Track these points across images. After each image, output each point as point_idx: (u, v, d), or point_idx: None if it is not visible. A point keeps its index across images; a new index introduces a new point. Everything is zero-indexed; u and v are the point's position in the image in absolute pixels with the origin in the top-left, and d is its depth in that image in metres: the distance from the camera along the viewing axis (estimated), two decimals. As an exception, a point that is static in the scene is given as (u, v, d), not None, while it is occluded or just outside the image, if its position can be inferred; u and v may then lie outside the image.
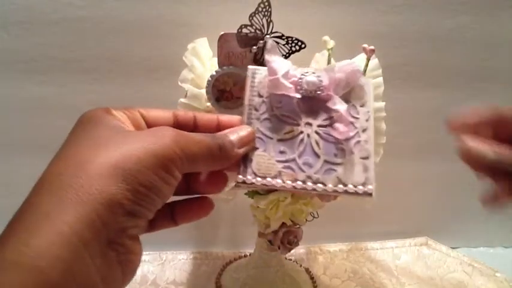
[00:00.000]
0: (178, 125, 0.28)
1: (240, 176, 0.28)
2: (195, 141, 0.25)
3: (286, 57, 0.37)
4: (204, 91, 0.40)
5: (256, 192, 0.46)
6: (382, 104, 0.42)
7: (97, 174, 0.20)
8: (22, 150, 0.58)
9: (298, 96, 0.30)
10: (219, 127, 0.28)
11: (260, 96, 0.30)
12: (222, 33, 0.37)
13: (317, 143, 0.29)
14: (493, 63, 0.61)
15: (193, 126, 0.28)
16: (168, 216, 0.28)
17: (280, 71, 0.30)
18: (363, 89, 0.31)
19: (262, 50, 0.37)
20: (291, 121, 0.30)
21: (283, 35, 0.37)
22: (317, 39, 0.42)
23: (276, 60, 0.30)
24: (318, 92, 0.30)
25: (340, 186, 0.28)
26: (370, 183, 0.29)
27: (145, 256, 0.63)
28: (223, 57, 0.38)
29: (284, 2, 0.50)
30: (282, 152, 0.29)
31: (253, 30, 0.36)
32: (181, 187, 0.28)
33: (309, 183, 0.28)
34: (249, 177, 0.28)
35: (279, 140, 0.29)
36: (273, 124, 0.30)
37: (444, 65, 0.60)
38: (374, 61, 0.43)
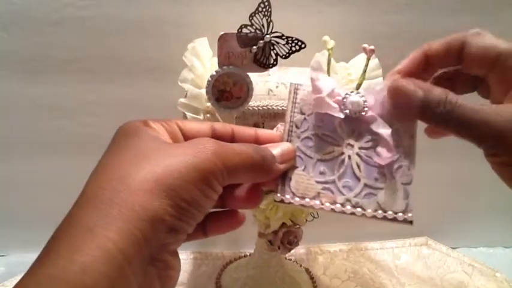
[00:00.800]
0: (216, 137, 0.27)
1: (279, 195, 0.27)
2: (237, 152, 0.24)
3: (286, 57, 0.37)
4: (204, 91, 0.40)
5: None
6: (382, 104, 0.42)
7: (139, 189, 0.20)
8: (22, 150, 0.58)
9: (342, 116, 0.29)
10: (258, 142, 0.28)
11: (302, 113, 0.30)
12: (222, 33, 0.37)
13: (358, 166, 0.28)
14: (493, 63, 0.61)
15: (230, 140, 0.28)
16: (200, 228, 0.28)
17: (326, 90, 0.29)
18: None
19: (263, 50, 0.37)
20: (332, 141, 0.29)
21: (283, 35, 0.37)
22: (317, 39, 0.42)
23: (321, 79, 0.29)
24: (362, 113, 0.29)
25: (380, 212, 0.28)
26: (410, 211, 0.28)
27: (145, 256, 0.62)
28: (223, 57, 0.38)
29: (284, 2, 0.50)
30: (321, 173, 0.28)
31: (253, 30, 0.36)
32: (217, 201, 0.27)
33: (348, 207, 0.28)
34: (287, 196, 0.27)
35: (319, 160, 0.28)
36: (314, 143, 0.29)
37: (444, 65, 0.60)
38: (374, 61, 0.43)
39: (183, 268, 0.62)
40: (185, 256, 0.64)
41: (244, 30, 0.36)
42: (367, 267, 0.64)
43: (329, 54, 0.42)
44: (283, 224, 0.47)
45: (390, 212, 0.28)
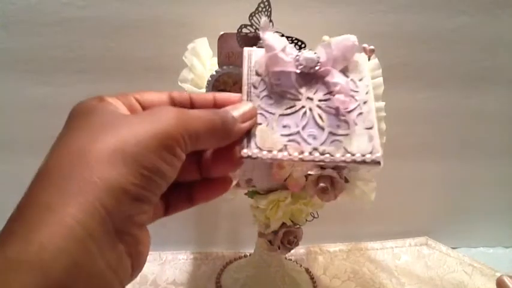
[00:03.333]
0: (175, 106, 0.26)
1: (245, 150, 0.27)
2: (197, 116, 0.24)
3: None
4: (204, 91, 0.40)
5: (256, 192, 0.46)
6: (382, 104, 0.42)
7: (96, 161, 0.19)
8: (22, 150, 0.58)
9: (297, 71, 0.30)
10: (217, 106, 0.27)
11: (258, 75, 0.30)
12: (222, 33, 0.37)
13: (320, 116, 0.29)
14: (493, 63, 0.61)
15: (190, 107, 0.27)
16: (184, 197, 0.27)
17: (278, 46, 0.30)
18: (359, 64, 0.32)
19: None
20: (292, 96, 0.29)
21: (283, 35, 0.37)
22: (317, 39, 0.42)
23: (272, 37, 0.30)
24: (316, 68, 0.30)
25: (348, 155, 0.28)
26: (377, 152, 0.28)
27: (145, 256, 0.62)
28: (223, 57, 0.38)
29: (284, 2, 0.50)
30: (285, 126, 0.28)
31: (253, 30, 0.36)
32: (193, 173, 0.27)
33: (316, 154, 0.28)
34: (254, 151, 0.27)
35: (281, 115, 0.29)
36: (274, 100, 0.29)
37: (444, 65, 0.60)
38: (374, 61, 0.43)
39: (183, 268, 0.62)
40: (185, 256, 0.64)
41: (244, 30, 0.36)
42: (367, 267, 0.64)
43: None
44: (283, 224, 0.47)
45: (358, 155, 0.28)
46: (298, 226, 0.48)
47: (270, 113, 0.29)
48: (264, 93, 0.29)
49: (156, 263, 0.62)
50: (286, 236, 0.48)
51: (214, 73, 0.38)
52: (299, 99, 0.29)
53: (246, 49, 0.31)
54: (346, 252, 0.67)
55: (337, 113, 0.29)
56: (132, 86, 0.56)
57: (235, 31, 0.37)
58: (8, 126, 0.57)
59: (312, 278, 0.59)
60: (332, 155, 0.28)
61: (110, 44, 0.53)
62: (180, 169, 0.23)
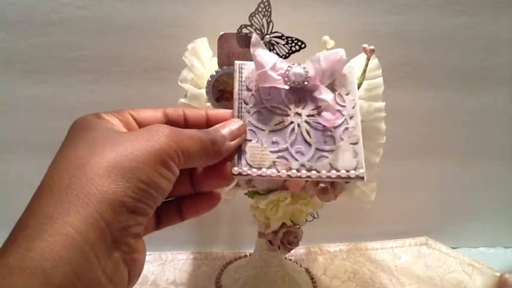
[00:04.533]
0: (169, 122, 0.28)
1: (236, 168, 0.28)
2: (189, 135, 0.25)
3: (286, 57, 0.37)
4: (204, 91, 0.40)
5: (256, 192, 0.46)
6: (382, 104, 0.42)
7: (96, 174, 0.21)
8: (22, 150, 0.58)
9: (287, 87, 0.30)
10: (209, 122, 0.29)
11: (249, 90, 0.31)
12: (222, 33, 0.37)
13: (307, 132, 0.30)
14: (493, 63, 0.61)
15: (184, 123, 0.28)
16: (174, 212, 0.28)
17: (268, 64, 0.30)
18: (347, 78, 0.32)
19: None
20: (281, 112, 0.30)
21: (283, 35, 0.37)
22: (317, 39, 0.42)
23: (262, 54, 0.31)
24: (305, 83, 0.31)
25: (333, 171, 0.29)
26: (361, 167, 0.30)
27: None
28: (223, 57, 0.38)
29: (284, 2, 0.50)
30: (274, 143, 0.29)
31: (253, 30, 0.36)
32: (186, 187, 0.28)
33: (303, 171, 0.29)
34: (244, 168, 0.28)
35: (271, 131, 0.30)
36: (264, 116, 0.30)
37: (444, 65, 0.60)
38: (374, 61, 0.43)
39: (183, 268, 0.62)
40: (185, 256, 0.64)
41: (244, 30, 0.36)
42: (367, 267, 0.64)
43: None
44: (283, 224, 0.47)
45: (343, 171, 0.29)
46: (298, 226, 0.48)
47: (260, 129, 0.30)
48: (255, 108, 0.30)
49: (156, 263, 0.62)
50: (286, 236, 0.48)
51: (214, 73, 0.38)
52: (288, 115, 0.30)
53: (237, 63, 0.32)
54: (346, 252, 0.67)
55: (324, 129, 0.30)
56: (132, 85, 0.56)
57: (235, 31, 0.37)
58: (7, 126, 0.57)
59: (312, 278, 0.59)
60: (318, 171, 0.29)
61: (110, 44, 0.53)
62: (175, 184, 0.24)
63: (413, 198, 0.68)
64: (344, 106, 0.31)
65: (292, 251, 0.50)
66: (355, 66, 0.44)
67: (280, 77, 0.30)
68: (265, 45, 0.36)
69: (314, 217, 0.50)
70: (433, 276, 0.63)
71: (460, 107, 0.63)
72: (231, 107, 0.40)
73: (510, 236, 0.72)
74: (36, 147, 0.57)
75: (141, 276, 0.66)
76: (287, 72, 0.31)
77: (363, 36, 0.43)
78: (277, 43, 0.37)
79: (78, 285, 0.19)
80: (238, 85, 0.31)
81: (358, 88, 0.42)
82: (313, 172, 0.29)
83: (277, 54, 0.37)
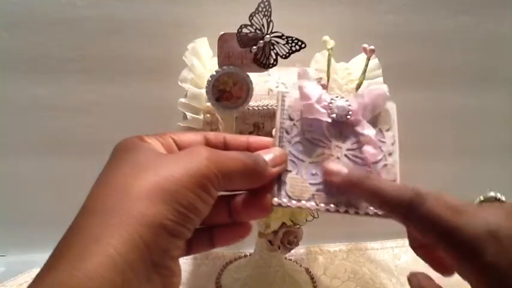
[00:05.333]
0: (209, 147, 0.28)
1: (276, 199, 0.28)
2: (230, 157, 0.25)
3: (286, 57, 0.37)
4: (204, 91, 0.40)
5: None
6: (382, 104, 0.42)
7: (138, 197, 0.21)
8: (22, 150, 0.58)
9: (329, 120, 0.30)
10: (250, 149, 0.29)
11: (291, 119, 0.31)
12: (222, 33, 0.37)
13: (347, 166, 0.30)
14: (493, 63, 0.61)
15: (224, 149, 0.29)
16: (206, 239, 0.29)
17: (314, 96, 0.30)
18: (388, 113, 0.32)
19: (263, 49, 0.37)
20: (322, 144, 0.30)
21: (283, 35, 0.37)
22: (317, 39, 0.42)
23: (308, 86, 0.31)
24: (348, 117, 0.31)
25: (371, 208, 0.29)
26: None
27: (145, 256, 0.62)
28: (223, 57, 0.38)
29: (284, 2, 0.50)
30: (314, 175, 0.29)
31: (253, 30, 0.36)
32: (223, 216, 0.28)
33: (342, 207, 0.29)
34: (284, 199, 0.29)
35: (311, 163, 0.30)
36: (305, 147, 0.30)
37: (444, 65, 0.60)
38: (374, 61, 0.43)
39: (183, 268, 0.61)
40: (185, 256, 0.64)
41: (244, 30, 0.36)
42: (367, 267, 0.64)
43: (329, 54, 0.43)
44: (283, 224, 0.47)
45: None
46: (298, 226, 0.48)
47: (300, 160, 0.30)
48: (296, 139, 0.30)
49: (156, 263, 0.62)
50: (286, 236, 0.48)
51: (214, 73, 0.38)
52: (329, 148, 0.30)
53: (280, 91, 0.32)
54: (346, 252, 0.67)
55: (363, 164, 0.30)
56: (132, 85, 0.56)
57: (235, 31, 0.37)
58: (7, 126, 0.57)
59: (312, 278, 0.59)
60: (356, 208, 0.29)
61: (110, 44, 0.53)
62: (212, 211, 0.25)
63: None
64: (384, 142, 0.31)
65: (292, 251, 0.50)
66: (355, 66, 0.44)
67: (324, 110, 0.30)
68: (265, 45, 0.36)
69: (314, 217, 0.50)
70: (433, 276, 0.63)
71: (460, 107, 0.63)
72: (231, 107, 0.40)
73: (510, 236, 0.72)
74: (36, 147, 0.57)
75: (141, 276, 0.65)
76: (330, 105, 0.31)
77: (363, 36, 0.43)
78: (278, 43, 0.37)
79: None
80: (281, 114, 0.31)
81: (358, 88, 0.42)
82: (352, 208, 0.29)
83: (277, 54, 0.37)
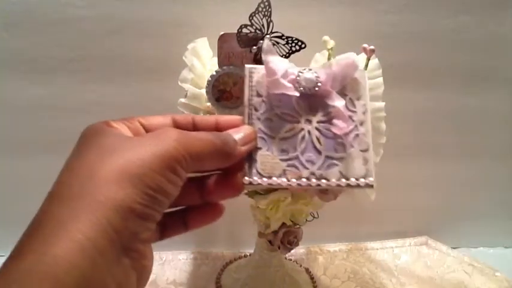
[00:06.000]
0: (178, 129, 0.28)
1: (246, 178, 0.28)
2: (198, 138, 0.25)
3: (286, 57, 0.37)
4: (204, 91, 0.40)
5: (256, 192, 0.46)
6: (382, 104, 0.42)
7: (104, 182, 0.21)
8: (22, 150, 0.58)
9: (297, 94, 0.30)
10: (219, 129, 0.29)
11: (259, 95, 0.30)
12: (222, 33, 0.37)
13: (318, 139, 0.30)
14: (493, 63, 0.61)
15: (193, 130, 0.28)
16: (179, 222, 0.28)
17: (279, 71, 0.30)
18: (359, 82, 0.32)
19: (263, 49, 0.37)
20: (292, 119, 0.30)
21: (283, 35, 0.37)
22: (317, 39, 0.42)
23: (273, 61, 0.30)
24: (316, 89, 0.30)
25: (343, 180, 0.29)
26: (370, 175, 0.29)
27: (145, 256, 0.62)
28: (223, 57, 0.38)
29: (284, 2, 0.50)
30: (284, 151, 0.29)
31: (253, 30, 0.36)
32: (195, 197, 0.28)
33: (313, 180, 0.29)
34: (255, 178, 0.28)
35: (281, 139, 0.29)
36: (274, 123, 0.30)
37: (444, 65, 0.60)
38: (374, 61, 0.43)
39: (183, 268, 0.62)
40: (185, 256, 0.64)
41: (244, 30, 0.36)
42: (367, 267, 0.64)
43: (329, 54, 0.43)
44: (283, 224, 0.47)
45: (353, 179, 0.29)
46: (298, 226, 0.48)
47: (270, 136, 0.29)
48: (265, 115, 0.30)
49: (156, 263, 0.62)
50: (286, 236, 0.48)
51: (214, 73, 0.38)
52: (298, 122, 0.30)
53: (248, 67, 0.31)
54: (346, 252, 0.67)
55: (334, 136, 0.30)
56: (132, 85, 0.56)
57: (235, 31, 0.37)
58: (7, 126, 0.57)
59: (312, 278, 0.59)
60: (328, 180, 0.29)
61: (110, 44, 0.53)
62: (183, 193, 0.24)
63: (413, 198, 0.68)
64: (355, 112, 0.31)
65: (292, 251, 0.50)
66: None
67: (291, 84, 0.30)
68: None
69: (314, 217, 0.50)
70: (433, 276, 0.63)
71: (460, 107, 0.63)
72: (231, 107, 0.40)
73: (510, 236, 0.72)
74: (36, 147, 0.57)
75: (141, 276, 0.65)
76: (298, 78, 0.30)
77: (363, 36, 0.43)
78: (278, 43, 0.37)
79: None
80: (249, 91, 0.31)
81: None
82: (323, 181, 0.29)
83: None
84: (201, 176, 0.28)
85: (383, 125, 0.43)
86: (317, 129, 0.30)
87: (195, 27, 0.51)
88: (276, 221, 0.47)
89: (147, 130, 0.27)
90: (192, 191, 0.28)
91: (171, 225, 0.28)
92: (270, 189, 0.45)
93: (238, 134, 0.28)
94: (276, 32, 0.37)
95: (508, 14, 0.58)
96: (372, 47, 0.40)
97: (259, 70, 0.31)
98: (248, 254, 0.62)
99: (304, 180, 0.29)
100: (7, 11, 0.51)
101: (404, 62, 0.58)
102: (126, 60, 0.54)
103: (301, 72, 0.30)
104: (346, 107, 0.30)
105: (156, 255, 0.63)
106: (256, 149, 0.29)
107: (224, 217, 0.68)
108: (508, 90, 0.63)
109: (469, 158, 0.67)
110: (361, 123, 0.30)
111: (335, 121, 0.30)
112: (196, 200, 0.28)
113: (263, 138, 0.29)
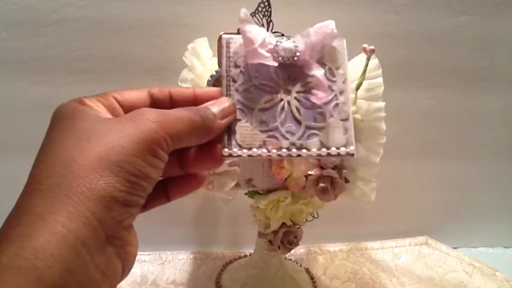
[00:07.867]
0: (155, 103, 0.27)
1: (226, 150, 0.28)
2: (177, 117, 0.24)
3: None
4: (204, 91, 0.40)
5: (256, 192, 0.46)
6: (382, 104, 0.42)
7: (84, 171, 0.20)
8: (22, 150, 0.58)
9: (276, 64, 0.29)
10: (197, 101, 0.28)
11: (237, 66, 0.30)
12: (222, 33, 0.37)
13: (297, 110, 0.29)
14: (493, 63, 0.61)
15: (170, 103, 0.28)
16: (161, 193, 0.28)
17: (257, 40, 0.29)
18: (338, 51, 0.31)
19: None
20: (270, 89, 0.29)
21: (283, 35, 0.37)
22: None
23: (251, 30, 0.29)
24: (295, 58, 0.29)
25: (324, 149, 0.29)
26: (351, 144, 0.29)
27: (145, 256, 0.62)
28: (223, 57, 0.38)
29: (284, 2, 0.50)
30: (264, 122, 0.29)
31: (253, 30, 0.36)
32: (175, 169, 0.27)
33: (294, 150, 0.28)
34: (234, 149, 0.28)
35: (260, 110, 0.29)
36: (253, 94, 0.29)
37: (444, 65, 0.60)
38: (374, 61, 0.43)
39: (183, 268, 0.62)
40: (185, 256, 0.64)
41: (244, 30, 0.36)
42: (367, 267, 0.64)
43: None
44: (283, 224, 0.47)
45: (333, 148, 0.29)
46: (298, 226, 0.48)
47: (249, 107, 0.29)
48: (243, 86, 0.29)
49: (156, 263, 0.62)
50: (286, 236, 0.48)
51: (214, 73, 0.38)
52: (278, 92, 0.29)
53: (224, 37, 0.31)
54: (346, 252, 0.67)
55: (314, 106, 0.29)
56: (132, 86, 0.56)
57: (235, 31, 0.36)
58: (7, 126, 0.57)
59: (312, 278, 0.59)
60: (308, 150, 0.29)
61: (110, 44, 0.53)
62: (164, 166, 0.24)
63: (413, 198, 0.68)
64: (334, 81, 0.30)
65: (292, 251, 0.50)
66: (355, 66, 0.44)
67: (269, 54, 0.29)
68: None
69: (314, 217, 0.50)
70: (433, 276, 0.63)
71: (460, 107, 0.63)
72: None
73: (510, 236, 0.72)
74: (36, 147, 0.57)
75: (140, 276, 0.66)
76: (276, 48, 0.29)
77: (363, 36, 0.43)
78: (277, 43, 0.37)
79: (72, 283, 0.18)
80: (226, 61, 0.30)
81: (358, 88, 0.42)
82: (304, 150, 0.28)
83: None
84: (181, 148, 0.27)
85: (383, 125, 0.43)
86: (296, 99, 0.29)
87: (195, 27, 0.51)
88: (276, 221, 0.47)
89: (123, 106, 0.26)
90: (173, 163, 0.27)
91: (153, 197, 0.27)
92: (270, 189, 0.45)
93: (216, 107, 0.27)
94: (276, 32, 0.37)
95: (508, 14, 0.58)
96: (372, 47, 0.40)
97: (236, 40, 0.30)
98: (248, 254, 0.62)
99: (284, 150, 0.28)
100: (7, 11, 0.51)
101: (404, 62, 0.58)
102: (126, 60, 0.54)
103: (280, 42, 0.30)
104: (326, 76, 0.30)
105: (156, 255, 0.63)
106: (236, 120, 0.28)
107: (224, 217, 0.68)
108: (508, 90, 0.63)
109: (469, 158, 0.67)
110: (341, 93, 0.30)
111: (314, 91, 0.29)
112: (177, 171, 0.28)
113: (242, 110, 0.29)
